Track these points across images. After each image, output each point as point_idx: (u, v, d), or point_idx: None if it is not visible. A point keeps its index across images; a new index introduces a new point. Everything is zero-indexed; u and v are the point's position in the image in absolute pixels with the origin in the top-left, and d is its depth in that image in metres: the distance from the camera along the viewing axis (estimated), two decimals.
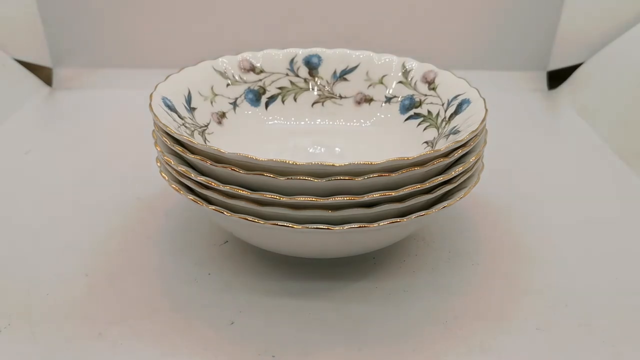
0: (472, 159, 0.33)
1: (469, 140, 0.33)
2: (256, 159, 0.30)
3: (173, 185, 0.33)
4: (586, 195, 0.45)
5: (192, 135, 0.37)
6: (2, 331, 0.32)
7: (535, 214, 0.42)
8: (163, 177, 0.34)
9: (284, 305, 0.34)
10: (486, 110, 0.35)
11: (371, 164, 0.29)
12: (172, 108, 0.37)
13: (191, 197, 0.32)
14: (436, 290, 0.35)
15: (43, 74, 0.62)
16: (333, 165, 0.29)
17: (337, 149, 0.41)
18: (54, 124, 0.56)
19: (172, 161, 0.33)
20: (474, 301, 0.35)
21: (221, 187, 0.31)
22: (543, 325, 0.33)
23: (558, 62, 0.63)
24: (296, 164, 0.29)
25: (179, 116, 0.37)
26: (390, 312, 0.34)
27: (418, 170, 0.31)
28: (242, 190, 0.30)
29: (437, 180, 0.32)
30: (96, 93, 0.60)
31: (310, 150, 0.42)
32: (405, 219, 0.31)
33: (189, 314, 0.33)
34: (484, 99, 0.36)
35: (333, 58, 0.43)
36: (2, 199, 0.42)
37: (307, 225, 0.30)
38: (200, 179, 0.31)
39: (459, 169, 0.33)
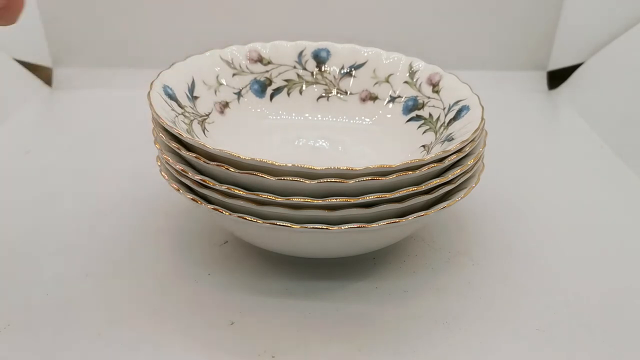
0: (470, 161, 0.33)
1: (455, 152, 0.32)
2: (238, 156, 0.30)
3: (173, 185, 0.33)
4: (586, 195, 0.45)
5: (190, 124, 0.36)
6: (2, 331, 0.32)
7: (535, 214, 0.42)
8: (163, 176, 0.34)
9: (284, 305, 0.34)
10: (482, 119, 0.35)
11: (352, 169, 0.29)
12: (172, 97, 0.36)
13: (190, 196, 0.32)
14: (436, 290, 0.35)
15: (43, 74, 0.62)
16: (313, 168, 0.29)
17: (339, 146, 0.41)
18: (54, 124, 0.56)
19: (171, 159, 0.33)
20: (474, 301, 0.35)
21: (218, 186, 0.31)
22: (543, 326, 0.33)
23: (558, 62, 0.63)
24: (276, 164, 0.29)
25: (179, 105, 0.37)
26: (390, 312, 0.34)
27: (411, 174, 0.30)
28: (239, 190, 0.30)
29: (434, 182, 0.32)
30: (96, 93, 0.60)
31: (311, 144, 0.41)
32: (404, 219, 0.31)
33: (189, 314, 0.33)
34: (482, 107, 0.36)
35: (342, 53, 0.43)
36: (2, 199, 0.42)
37: (305, 225, 0.30)
38: (198, 177, 0.31)
39: (456, 172, 0.33)
